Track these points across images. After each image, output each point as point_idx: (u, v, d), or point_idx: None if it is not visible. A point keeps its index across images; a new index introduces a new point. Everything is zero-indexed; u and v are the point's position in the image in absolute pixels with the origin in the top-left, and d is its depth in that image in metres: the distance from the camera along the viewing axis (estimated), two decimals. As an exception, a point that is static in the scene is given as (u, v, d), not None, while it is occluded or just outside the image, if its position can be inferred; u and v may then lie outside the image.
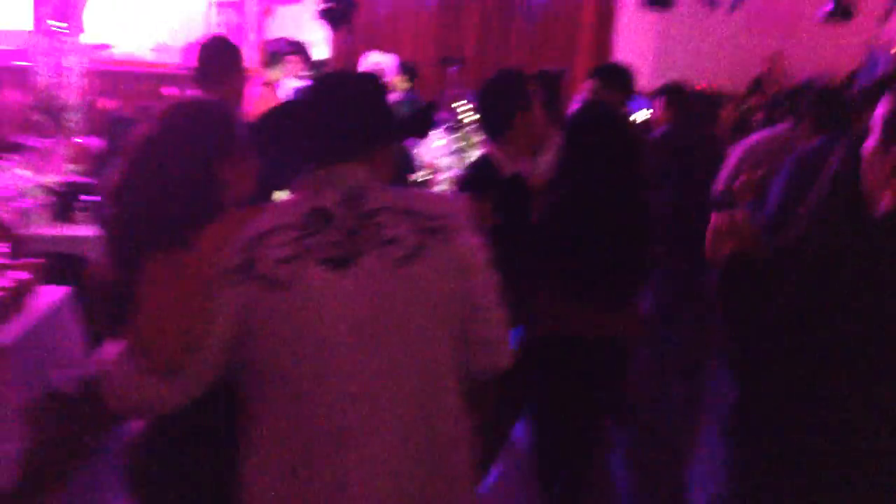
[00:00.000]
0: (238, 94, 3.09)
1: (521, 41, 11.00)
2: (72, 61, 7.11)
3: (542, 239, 2.67)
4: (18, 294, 2.95)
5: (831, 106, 3.31)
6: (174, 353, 1.50)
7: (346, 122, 1.69)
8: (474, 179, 2.92)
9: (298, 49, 8.38)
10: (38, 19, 6.95)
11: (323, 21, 3.41)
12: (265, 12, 10.52)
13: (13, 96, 6.27)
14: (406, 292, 1.59)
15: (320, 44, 10.31)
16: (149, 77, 9.73)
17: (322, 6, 3.37)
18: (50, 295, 3.35)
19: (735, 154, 3.95)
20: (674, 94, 4.58)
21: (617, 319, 2.66)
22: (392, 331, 1.58)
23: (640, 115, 6.01)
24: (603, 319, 2.64)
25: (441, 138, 6.41)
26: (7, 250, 3.61)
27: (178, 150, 1.83)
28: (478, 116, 3.12)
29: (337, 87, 1.75)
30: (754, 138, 3.97)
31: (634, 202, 2.72)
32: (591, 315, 2.62)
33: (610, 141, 2.64)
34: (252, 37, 10.49)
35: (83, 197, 4.65)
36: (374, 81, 1.79)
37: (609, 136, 2.65)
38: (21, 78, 7.33)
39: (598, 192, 2.63)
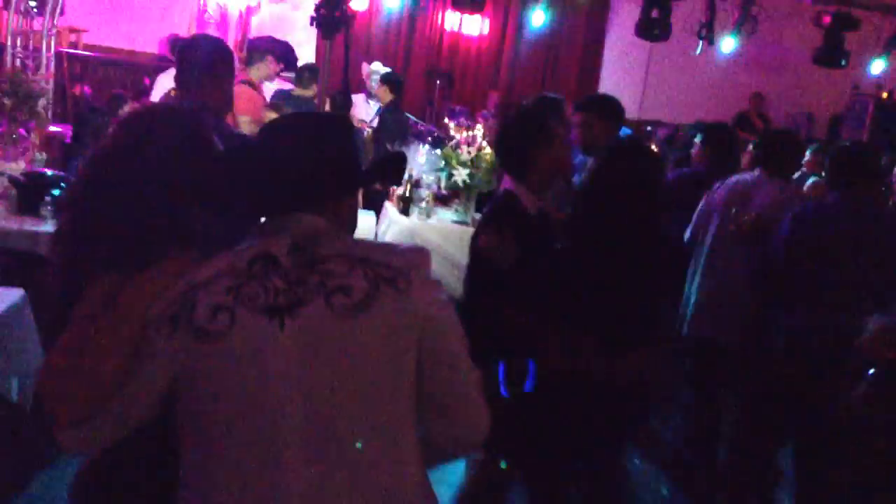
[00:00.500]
0: (226, 102, 2.86)
1: (512, 63, 10.92)
2: (45, 44, 6.80)
3: (564, 275, 2.54)
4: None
5: (854, 164, 3.24)
6: (79, 401, 1.43)
7: (299, 170, 1.55)
8: (497, 215, 2.81)
9: (281, 49, 8.19)
10: (13, -2, 6.66)
11: (316, 28, 3.23)
12: (251, 8, 10.29)
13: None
14: (352, 345, 1.44)
15: (306, 46, 10.12)
16: (125, 66, 9.45)
17: (315, 13, 3.18)
18: (3, 297, 3.09)
19: (719, 194, 3.90)
20: (715, 134, 4.51)
21: (632, 360, 2.52)
22: (336, 386, 1.44)
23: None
24: (617, 361, 2.50)
25: (425, 153, 6.23)
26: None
27: (135, 164, 1.62)
28: (498, 150, 3.00)
29: (294, 130, 1.60)
30: (734, 179, 3.94)
31: (660, 239, 2.63)
32: (607, 356, 2.49)
33: (644, 179, 2.52)
34: (235, 33, 10.27)
35: (49, 191, 4.37)
36: (339, 125, 1.64)
37: (645, 174, 2.53)
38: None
39: (626, 229, 2.51)
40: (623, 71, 10.99)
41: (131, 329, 1.46)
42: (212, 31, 10.08)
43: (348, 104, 5.42)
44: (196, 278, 1.48)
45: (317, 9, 2.90)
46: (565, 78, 11.01)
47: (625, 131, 5.21)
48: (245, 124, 7.03)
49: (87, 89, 8.48)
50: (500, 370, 2.68)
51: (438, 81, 10.21)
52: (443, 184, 6.14)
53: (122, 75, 8.84)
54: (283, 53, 8.38)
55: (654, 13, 8.08)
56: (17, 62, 6.58)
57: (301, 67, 7.22)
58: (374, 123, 7.44)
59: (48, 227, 4.22)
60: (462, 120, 8.23)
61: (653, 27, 8.13)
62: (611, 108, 4.22)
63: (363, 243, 1.57)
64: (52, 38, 6.93)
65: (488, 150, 6.06)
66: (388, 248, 1.56)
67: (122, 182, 1.60)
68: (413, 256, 1.55)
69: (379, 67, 8.51)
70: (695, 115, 9.26)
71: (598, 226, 2.58)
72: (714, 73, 10.36)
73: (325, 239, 1.52)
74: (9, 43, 6.71)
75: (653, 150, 2.84)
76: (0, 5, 7.41)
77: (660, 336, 2.76)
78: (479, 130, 6.12)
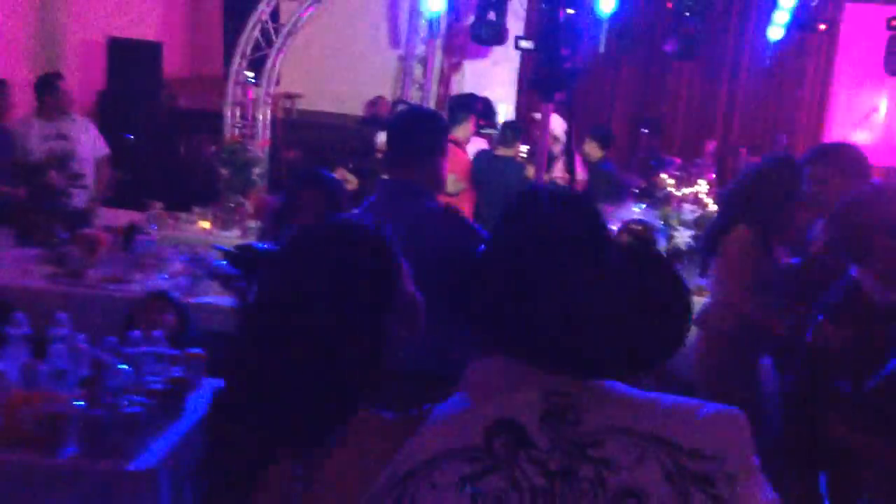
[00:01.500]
0: (440, 182, 2.58)
1: (728, 106, 10.12)
2: (262, 112, 6.99)
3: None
4: (176, 397, 2.51)
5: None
6: None
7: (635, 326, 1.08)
8: (840, 307, 2.48)
9: (483, 107, 8.00)
10: (231, 68, 6.93)
11: (536, 90, 2.91)
12: (452, 67, 10.29)
13: (207, 148, 6.17)
14: None
15: (506, 102, 9.95)
16: (333, 129, 9.68)
17: (535, 75, 2.84)
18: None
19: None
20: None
21: None
22: None
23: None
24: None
25: (635, 206, 5.72)
26: (172, 324, 3.24)
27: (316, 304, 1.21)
28: (835, 238, 2.58)
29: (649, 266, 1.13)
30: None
31: None
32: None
33: None
34: (437, 92, 10.29)
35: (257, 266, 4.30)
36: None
37: None
38: (211, 126, 7.34)
39: None
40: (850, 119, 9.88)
41: None
42: (414, 91, 10.20)
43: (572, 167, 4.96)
44: (412, 458, 1.06)
45: (536, 70, 2.58)
46: (787, 121, 10.07)
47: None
48: (451, 183, 6.87)
49: (292, 154, 8.72)
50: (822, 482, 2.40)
51: (645, 129, 9.65)
52: (661, 246, 5.61)
53: (332, 139, 9.01)
54: (484, 111, 8.23)
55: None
56: (235, 132, 6.80)
57: (504, 125, 6.97)
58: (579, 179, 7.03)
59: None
60: (673, 171, 7.65)
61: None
62: (856, 162, 3.43)
63: (643, 400, 1.08)
64: (268, 106, 7.12)
65: (712, 205, 5.47)
66: (687, 413, 1.07)
67: (293, 330, 1.21)
68: (727, 427, 1.05)
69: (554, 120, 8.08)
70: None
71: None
72: None
73: (588, 396, 1.07)
74: (227, 113, 6.96)
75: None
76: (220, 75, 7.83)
77: None
78: (701, 185, 5.55)
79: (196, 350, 3.15)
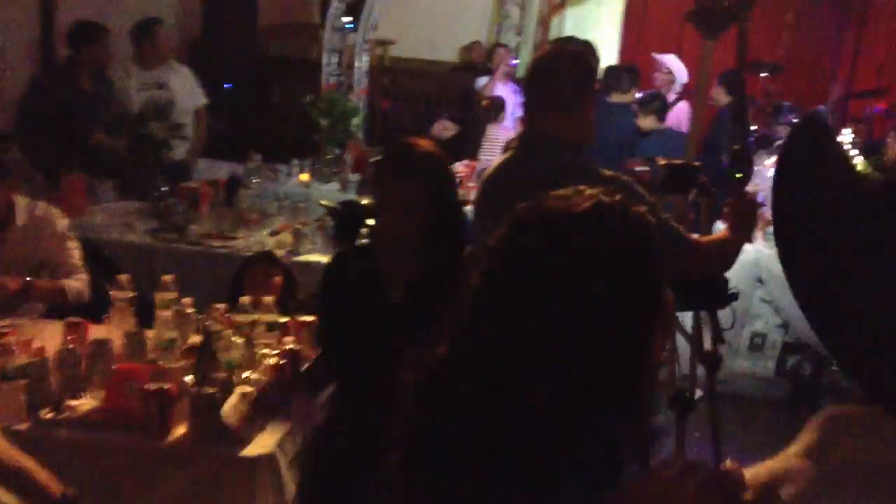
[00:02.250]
0: (590, 132, 2.22)
1: (847, 45, 9.29)
2: (360, 59, 6.71)
3: None
4: (291, 372, 2.26)
5: None
6: None
7: None
8: None
9: (587, 52, 7.52)
10: (328, 12, 6.66)
11: (696, 26, 2.51)
12: (553, 9, 9.77)
13: (303, 97, 5.92)
14: None
15: (609, 44, 9.39)
16: (427, 76, 9.33)
17: (696, 7, 2.44)
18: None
19: None
20: None
21: None
22: None
23: None
24: None
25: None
26: (279, 287, 3.02)
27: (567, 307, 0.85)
28: None
29: None
30: None
31: None
32: None
33: None
34: (536, 36, 9.80)
35: (365, 221, 4.05)
36: None
37: None
38: (308, 74, 7.11)
39: None
40: None
41: None
42: (510, 35, 9.75)
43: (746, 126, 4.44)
44: None
45: (697, 6, 2.20)
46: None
47: None
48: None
49: (387, 104, 8.44)
50: None
51: (763, 73, 8.95)
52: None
53: (427, 87, 8.68)
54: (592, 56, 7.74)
55: None
56: (332, 80, 6.54)
57: (620, 69, 6.48)
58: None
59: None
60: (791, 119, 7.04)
61: None
62: None
63: None
64: (366, 52, 6.83)
65: (861, 161, 4.93)
66: None
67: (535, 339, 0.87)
68: None
69: (674, 62, 7.51)
70: None
71: None
72: None
73: None
74: (323, 61, 6.70)
75: None
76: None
77: None
78: (846, 135, 5.02)
79: (305, 316, 2.93)
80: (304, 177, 5.72)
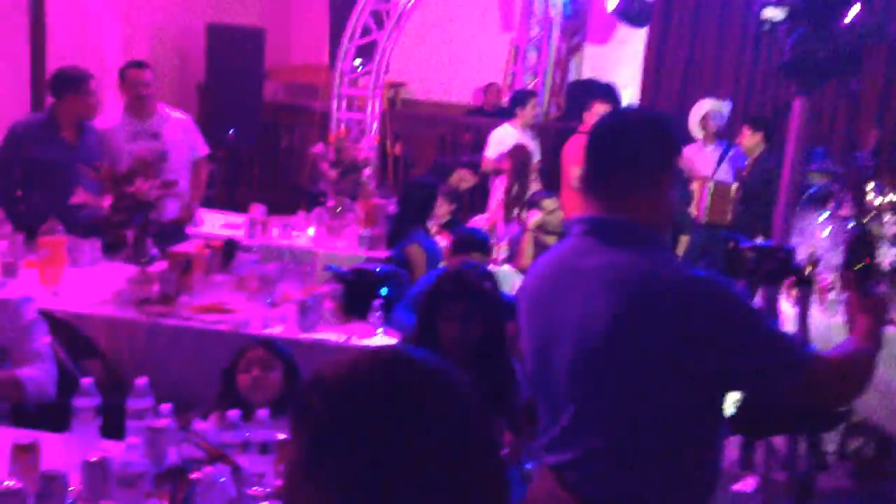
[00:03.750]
0: (663, 218, 1.77)
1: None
2: (372, 102, 6.30)
3: None
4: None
5: None
6: None
7: None
8: None
9: (609, 94, 7.11)
10: (339, 53, 6.26)
11: (796, 77, 2.03)
12: (571, 51, 9.41)
13: (312, 145, 5.49)
14: None
15: (631, 86, 9.01)
16: (441, 119, 8.95)
17: (796, 54, 1.98)
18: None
19: None
20: None
21: None
22: None
23: None
24: None
25: (827, 223, 4.74)
26: (277, 386, 2.55)
27: None
28: None
29: None
30: None
31: None
32: None
33: None
34: (554, 78, 9.43)
35: (378, 290, 3.59)
36: None
37: None
38: (316, 120, 6.72)
39: None
40: None
41: None
42: (529, 77, 9.38)
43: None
44: None
45: (796, 47, 1.77)
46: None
47: None
48: (574, 176, 6.07)
49: (399, 149, 8.02)
50: None
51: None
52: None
53: (441, 130, 8.28)
54: (611, 98, 7.34)
55: None
56: (342, 126, 6.13)
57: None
58: (732, 181, 6.07)
59: (378, 336, 3.41)
60: (825, 165, 6.58)
61: None
62: None
63: None
64: (378, 97, 6.43)
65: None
66: None
67: None
68: None
69: (719, 107, 7.05)
70: None
71: None
72: None
73: None
74: (334, 106, 6.30)
75: None
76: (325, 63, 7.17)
77: None
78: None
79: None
80: (311, 230, 5.28)
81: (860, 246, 1.80)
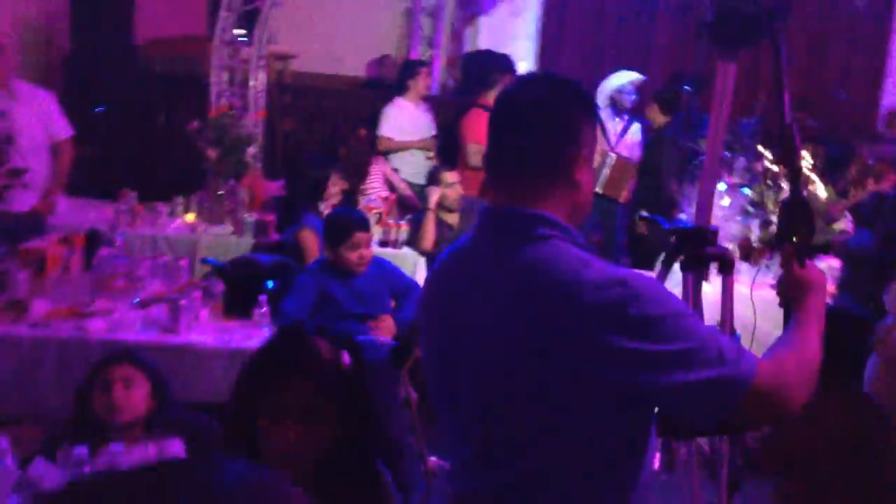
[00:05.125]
0: (580, 207, 1.51)
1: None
2: (255, 76, 5.85)
3: None
4: None
5: None
6: None
7: None
8: None
9: (510, 67, 6.90)
10: (217, 24, 5.77)
11: (715, 42, 1.88)
12: (466, 20, 9.13)
13: (190, 122, 5.04)
14: None
15: (527, 59, 8.82)
16: (333, 93, 8.54)
17: (712, 20, 1.80)
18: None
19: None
20: None
21: None
22: None
23: None
24: None
25: (725, 193, 4.67)
26: (142, 404, 2.21)
27: None
28: None
29: None
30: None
31: None
32: None
33: None
34: (449, 49, 9.15)
35: (264, 283, 3.24)
36: None
37: None
38: (195, 94, 6.21)
39: None
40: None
41: None
42: (422, 47, 9.08)
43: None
44: None
45: (718, 10, 1.57)
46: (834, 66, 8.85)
47: None
48: (474, 154, 5.83)
49: (289, 125, 7.58)
50: None
51: (687, 87, 8.52)
52: (754, 235, 4.58)
53: (333, 105, 7.89)
54: (513, 72, 7.12)
55: None
56: (223, 101, 5.66)
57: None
58: (636, 155, 5.96)
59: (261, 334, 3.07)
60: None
61: None
62: None
63: None
64: (262, 69, 5.98)
65: (820, 185, 4.44)
66: None
67: None
68: None
69: (632, 80, 6.89)
70: None
71: None
72: None
73: None
74: (213, 79, 5.82)
75: None
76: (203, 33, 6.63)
77: None
78: (806, 160, 4.50)
79: (175, 440, 2.14)
80: (190, 217, 4.86)
81: (795, 217, 1.59)
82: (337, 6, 8.84)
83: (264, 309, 3.16)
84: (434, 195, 4.51)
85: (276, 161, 6.18)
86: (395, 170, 5.62)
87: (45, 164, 4.13)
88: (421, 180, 5.91)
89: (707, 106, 7.79)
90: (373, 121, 6.97)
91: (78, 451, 1.84)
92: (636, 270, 1.58)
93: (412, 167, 5.84)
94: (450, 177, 4.66)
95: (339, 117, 7.75)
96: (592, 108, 1.46)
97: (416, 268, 4.40)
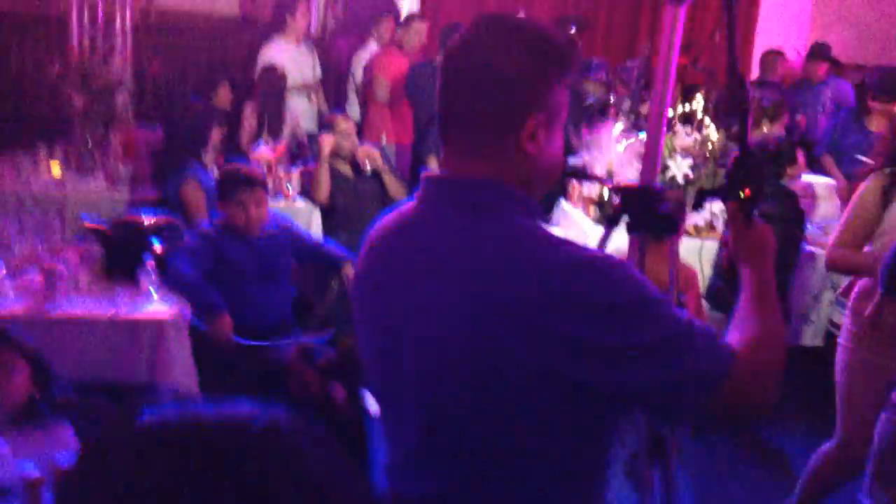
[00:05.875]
0: (532, 173, 1.37)
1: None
2: (120, 14, 5.38)
3: None
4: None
5: None
6: None
7: None
8: None
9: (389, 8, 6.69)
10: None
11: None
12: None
13: (51, 66, 4.57)
14: None
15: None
16: (202, 33, 8.02)
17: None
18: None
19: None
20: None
21: None
22: None
23: None
24: None
25: (621, 136, 4.67)
26: (22, 388, 1.96)
27: None
28: None
29: None
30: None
31: None
32: None
33: None
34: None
35: (148, 243, 2.97)
36: None
37: None
38: (53, 34, 5.66)
39: None
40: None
41: None
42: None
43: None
44: None
45: None
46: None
47: None
48: (382, 89, 5.65)
49: (157, 68, 7.05)
50: None
51: (572, 29, 8.49)
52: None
53: (203, 46, 7.40)
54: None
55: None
56: (86, 43, 5.18)
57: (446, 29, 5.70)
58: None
59: (154, 303, 2.82)
60: (600, 76, 6.61)
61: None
62: None
63: None
64: (127, 6, 5.50)
65: (713, 130, 4.49)
66: None
67: None
68: None
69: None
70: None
71: None
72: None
73: None
74: (73, 17, 5.31)
75: None
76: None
77: None
78: (699, 103, 4.53)
79: (63, 423, 1.93)
80: (56, 168, 4.45)
81: (746, 171, 1.50)
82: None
83: (151, 273, 2.90)
84: (327, 144, 4.27)
85: (147, 108, 5.73)
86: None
87: None
88: (308, 126, 5.63)
89: (590, 49, 7.80)
90: (248, 62, 6.59)
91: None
92: (604, 251, 1.47)
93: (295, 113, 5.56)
94: (343, 123, 4.42)
95: (212, 60, 7.28)
96: (563, 65, 1.28)
97: (311, 220, 4.19)
